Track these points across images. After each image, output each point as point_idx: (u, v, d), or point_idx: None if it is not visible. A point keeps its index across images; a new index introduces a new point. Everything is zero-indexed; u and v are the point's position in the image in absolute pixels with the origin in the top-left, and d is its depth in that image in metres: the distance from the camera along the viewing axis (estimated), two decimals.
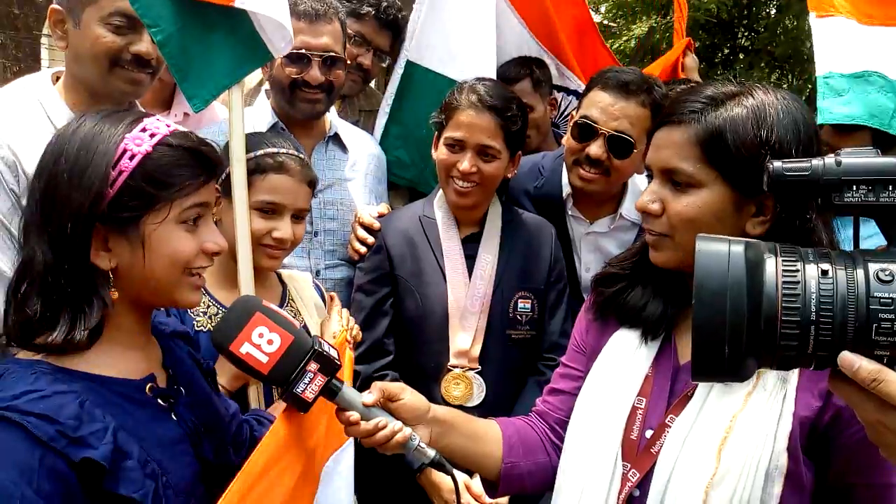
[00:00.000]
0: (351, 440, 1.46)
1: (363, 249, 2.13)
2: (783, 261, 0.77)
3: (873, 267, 0.75)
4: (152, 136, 1.13)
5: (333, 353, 1.20)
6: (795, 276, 0.76)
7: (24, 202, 1.75)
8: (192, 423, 1.22)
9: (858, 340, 0.74)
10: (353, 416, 1.21)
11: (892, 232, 0.79)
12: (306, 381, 1.16)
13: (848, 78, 2.66)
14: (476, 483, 1.95)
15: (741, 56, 8.70)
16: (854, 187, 0.79)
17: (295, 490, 1.20)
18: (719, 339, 0.76)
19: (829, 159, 0.80)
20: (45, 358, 1.09)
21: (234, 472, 1.11)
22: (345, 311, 1.89)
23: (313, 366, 1.16)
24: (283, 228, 1.75)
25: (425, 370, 2.03)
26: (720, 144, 1.13)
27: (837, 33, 2.69)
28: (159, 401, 1.19)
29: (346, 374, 1.45)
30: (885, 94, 2.64)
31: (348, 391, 1.23)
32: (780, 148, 1.11)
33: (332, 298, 1.92)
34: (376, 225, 2.14)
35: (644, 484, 1.19)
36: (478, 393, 2.03)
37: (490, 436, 1.41)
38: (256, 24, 1.77)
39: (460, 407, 1.97)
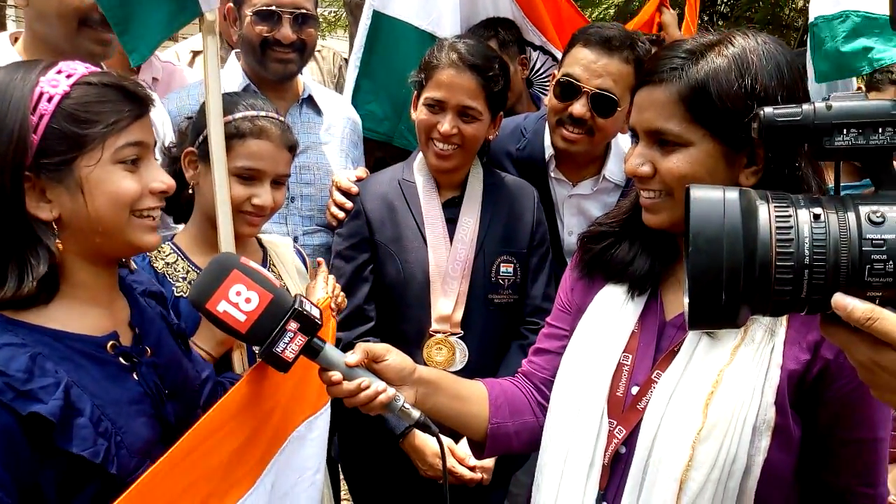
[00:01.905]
0: (327, 408, 1.44)
1: (341, 215, 2.08)
2: (776, 206, 0.78)
3: (864, 209, 0.76)
4: (69, 76, 1.09)
5: (316, 312, 1.17)
6: (788, 221, 0.77)
7: None
8: (154, 384, 1.19)
9: (851, 282, 0.75)
10: (336, 375, 1.19)
11: (882, 175, 0.80)
12: (286, 340, 1.13)
13: (828, 22, 2.58)
14: (460, 447, 1.95)
15: (720, 23, 8.69)
16: (845, 131, 0.79)
17: (240, 450, 1.19)
18: (716, 285, 0.76)
19: (820, 104, 0.80)
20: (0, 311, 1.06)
21: None
22: (331, 277, 1.86)
23: (293, 325, 1.13)
24: (263, 195, 1.71)
25: (407, 336, 2.01)
26: (704, 100, 1.11)
27: None
28: (121, 359, 1.16)
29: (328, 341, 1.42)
30: (851, 38, 2.54)
31: (331, 351, 1.20)
32: (766, 95, 1.09)
33: (319, 264, 1.89)
34: (354, 189, 2.09)
35: (630, 440, 1.19)
36: (460, 358, 2.02)
37: (476, 396, 1.40)
38: None
39: None
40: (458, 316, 2.01)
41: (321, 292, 1.74)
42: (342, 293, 1.89)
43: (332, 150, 2.32)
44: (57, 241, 1.08)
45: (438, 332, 2.00)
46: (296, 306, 1.14)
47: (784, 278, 0.75)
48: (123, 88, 1.12)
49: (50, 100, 1.06)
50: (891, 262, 0.73)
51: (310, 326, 1.15)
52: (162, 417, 1.19)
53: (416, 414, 1.23)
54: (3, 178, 1.04)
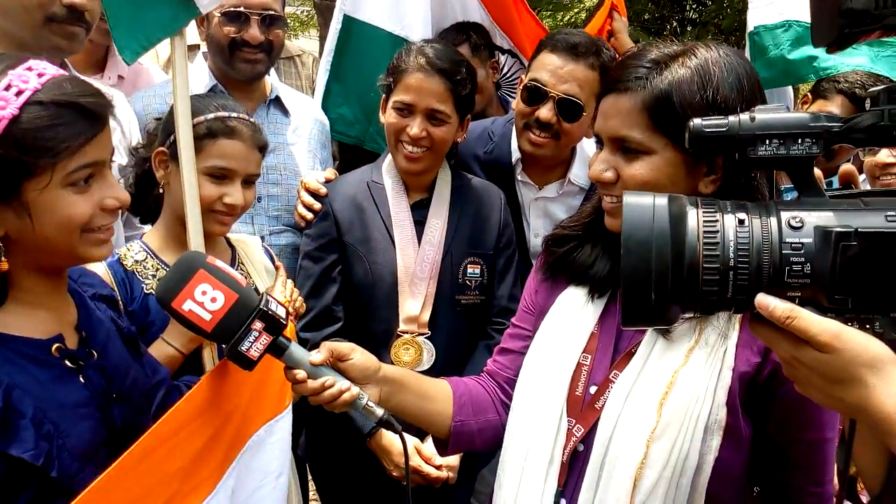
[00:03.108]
0: (288, 412, 1.45)
1: (309, 215, 2.09)
2: (704, 212, 0.82)
3: (785, 215, 0.80)
4: (19, 93, 1.00)
5: (281, 311, 1.18)
6: (715, 225, 0.81)
7: None
8: (101, 387, 1.18)
9: (773, 283, 0.79)
10: (300, 374, 1.21)
11: (803, 182, 0.85)
12: (251, 339, 1.15)
13: (770, 31, 2.65)
14: (426, 446, 1.97)
15: (689, 29, 8.84)
16: (767, 141, 0.83)
17: (201, 453, 1.19)
18: (646, 285, 0.80)
19: (745, 116, 0.85)
20: None
21: None
22: (289, 282, 1.87)
23: (258, 324, 1.15)
24: (234, 194, 1.72)
25: (375, 336, 2.02)
26: (667, 110, 1.13)
27: None
28: (67, 362, 1.14)
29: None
30: (795, 46, 2.61)
31: (296, 349, 1.22)
32: (726, 106, 1.12)
33: (278, 269, 1.90)
34: (323, 190, 2.10)
35: (588, 439, 1.21)
36: (427, 358, 2.04)
37: (440, 394, 1.41)
38: None
39: None
40: (426, 317, 2.03)
41: (279, 297, 1.75)
42: (300, 298, 1.90)
43: (300, 151, 2.32)
44: (3, 259, 1.05)
45: (406, 333, 2.02)
46: (261, 306, 1.16)
47: (711, 279, 0.80)
48: (80, 106, 1.04)
49: None
50: (808, 265, 0.78)
51: (275, 326, 1.17)
52: (108, 421, 1.17)
53: (379, 412, 1.24)
54: None
